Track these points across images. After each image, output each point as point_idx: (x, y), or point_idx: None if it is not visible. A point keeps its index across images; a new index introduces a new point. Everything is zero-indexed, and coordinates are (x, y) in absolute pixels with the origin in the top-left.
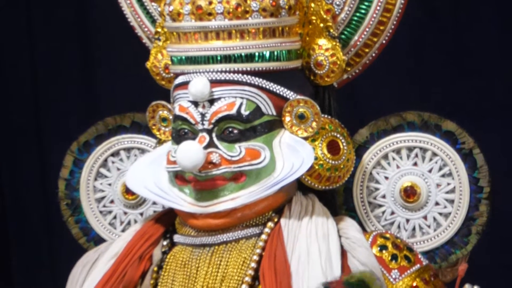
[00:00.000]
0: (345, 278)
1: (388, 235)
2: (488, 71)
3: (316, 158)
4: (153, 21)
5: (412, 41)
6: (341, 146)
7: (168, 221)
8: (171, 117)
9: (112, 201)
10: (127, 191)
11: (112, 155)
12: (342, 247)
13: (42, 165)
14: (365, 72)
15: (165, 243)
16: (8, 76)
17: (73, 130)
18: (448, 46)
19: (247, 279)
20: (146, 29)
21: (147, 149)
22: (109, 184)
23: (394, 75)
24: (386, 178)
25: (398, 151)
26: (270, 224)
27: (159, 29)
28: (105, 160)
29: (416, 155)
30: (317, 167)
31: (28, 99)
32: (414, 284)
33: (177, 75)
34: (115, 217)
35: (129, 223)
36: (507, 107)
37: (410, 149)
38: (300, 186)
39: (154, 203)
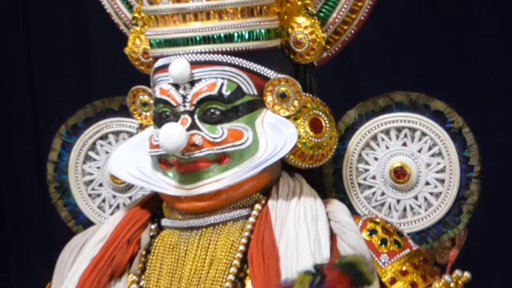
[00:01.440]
0: (337, 260)
1: (378, 220)
2: (487, 53)
3: (299, 137)
4: (130, 7)
5: (411, 23)
6: (324, 124)
7: (155, 204)
8: (151, 101)
9: (101, 185)
10: None
11: (101, 138)
12: (331, 230)
13: (37, 149)
14: (363, 55)
15: (153, 227)
16: (3, 62)
17: (69, 114)
18: (447, 28)
19: (236, 262)
20: (123, 15)
21: (135, 132)
22: (98, 168)
23: (391, 57)
24: (376, 159)
25: (387, 132)
26: (257, 206)
27: (136, 14)
28: (94, 143)
29: (405, 136)
30: (300, 146)
31: (23, 83)
32: (404, 268)
33: (156, 58)
34: (104, 201)
35: (118, 207)
36: (506, 89)
37: (399, 130)
38: (285, 165)
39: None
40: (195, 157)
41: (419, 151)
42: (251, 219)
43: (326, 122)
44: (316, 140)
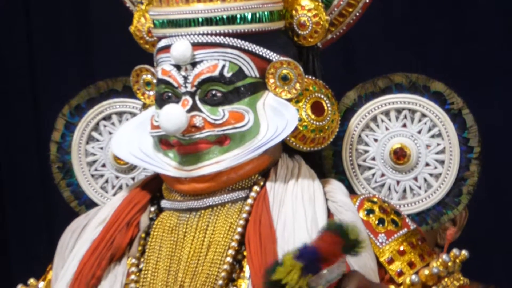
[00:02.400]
0: (328, 224)
1: (375, 199)
2: (487, 35)
3: (300, 120)
4: None
5: (412, 4)
6: (325, 107)
7: (155, 186)
8: (155, 81)
9: (103, 165)
10: None
11: (104, 119)
12: (328, 210)
13: (38, 129)
14: (362, 36)
15: (152, 209)
16: (4, 41)
17: (70, 94)
18: (448, 8)
19: (234, 244)
20: None
21: (138, 113)
22: (101, 148)
23: (391, 39)
24: (375, 140)
25: (386, 113)
26: (256, 187)
27: None
28: (97, 123)
29: (405, 117)
30: (301, 129)
31: (23, 62)
32: (401, 248)
33: (159, 38)
34: (106, 181)
35: (120, 187)
36: (507, 71)
37: (398, 111)
38: (286, 148)
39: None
40: (196, 139)
41: (419, 132)
42: (249, 201)
43: (328, 105)
44: (317, 123)
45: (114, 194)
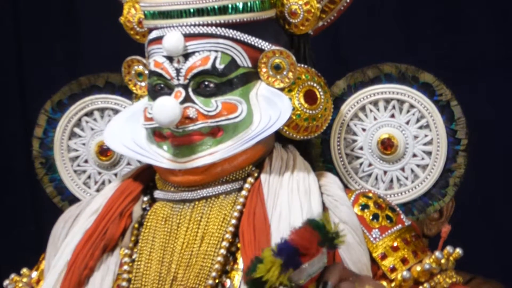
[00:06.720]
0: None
1: (370, 194)
2: (478, 26)
3: (293, 109)
4: None
5: None
6: (318, 96)
7: (148, 176)
8: (146, 72)
9: (86, 161)
10: (101, 152)
11: (86, 114)
12: (323, 204)
13: (26, 122)
14: (352, 24)
15: (145, 199)
16: None
17: (58, 88)
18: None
19: (228, 236)
20: None
21: (120, 109)
22: (83, 144)
23: (381, 28)
24: (364, 130)
25: (375, 103)
26: (250, 179)
27: None
28: (79, 119)
29: (394, 107)
30: (294, 118)
31: (11, 56)
32: (395, 244)
33: (150, 29)
34: (89, 177)
35: (103, 183)
36: (497, 62)
37: (387, 101)
38: (278, 136)
39: (129, 163)
40: (189, 130)
41: (407, 123)
42: (244, 193)
43: (321, 93)
44: (310, 111)
45: (97, 190)
